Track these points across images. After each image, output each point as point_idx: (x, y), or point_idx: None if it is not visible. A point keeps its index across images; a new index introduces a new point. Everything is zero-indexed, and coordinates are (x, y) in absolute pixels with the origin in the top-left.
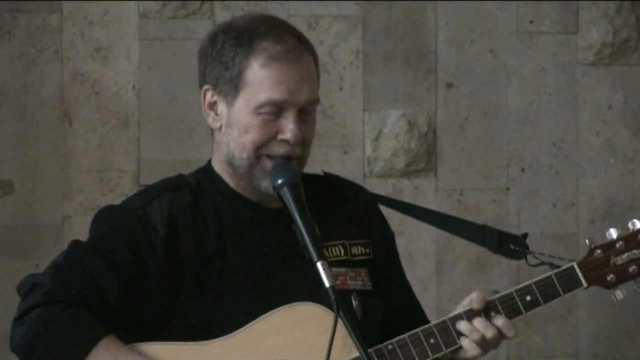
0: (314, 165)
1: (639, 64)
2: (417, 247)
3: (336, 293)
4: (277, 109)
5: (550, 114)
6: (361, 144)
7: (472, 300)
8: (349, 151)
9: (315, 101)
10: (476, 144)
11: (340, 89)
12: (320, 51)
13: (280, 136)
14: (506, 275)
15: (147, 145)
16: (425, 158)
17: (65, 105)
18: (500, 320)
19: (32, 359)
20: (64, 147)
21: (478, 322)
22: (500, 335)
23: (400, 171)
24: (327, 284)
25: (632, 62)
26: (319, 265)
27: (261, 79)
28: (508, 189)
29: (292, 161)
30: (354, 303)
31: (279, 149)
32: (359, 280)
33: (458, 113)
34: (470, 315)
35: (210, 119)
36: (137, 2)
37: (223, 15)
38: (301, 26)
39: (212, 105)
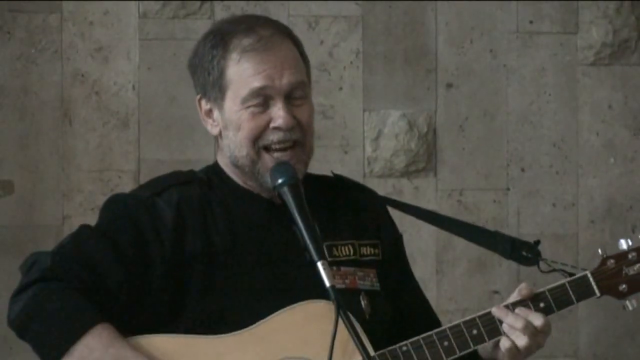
0: (314, 165)
1: (639, 64)
2: (417, 247)
3: (337, 293)
4: (263, 99)
5: (550, 114)
6: (361, 144)
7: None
8: (349, 151)
9: (301, 83)
10: (476, 144)
11: (340, 89)
12: (320, 51)
13: (272, 124)
14: (506, 276)
15: (147, 145)
16: (425, 158)
17: (65, 105)
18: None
19: (27, 336)
20: (64, 147)
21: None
22: (533, 327)
23: (400, 171)
24: (327, 283)
25: (632, 62)
26: (319, 265)
27: (240, 73)
28: (508, 189)
29: (295, 147)
30: (363, 303)
31: (273, 137)
32: (367, 281)
33: (458, 113)
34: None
35: (209, 127)
36: (137, 2)
37: (223, 15)
38: (301, 26)
39: (209, 113)
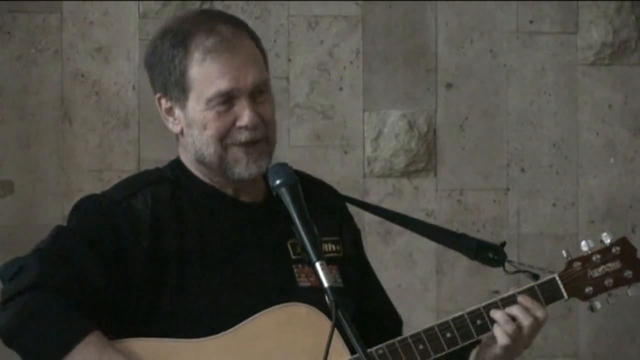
0: (314, 165)
1: (639, 64)
2: (417, 247)
3: (335, 293)
4: (227, 99)
5: (550, 114)
6: (361, 144)
7: None
8: (349, 151)
9: (264, 81)
10: (476, 144)
11: (340, 89)
12: (320, 51)
13: (238, 123)
14: (506, 276)
15: (147, 145)
16: (425, 158)
17: (65, 105)
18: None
19: (16, 346)
20: (64, 147)
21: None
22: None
23: (400, 171)
24: (325, 284)
25: (632, 62)
26: (317, 265)
27: (204, 74)
28: (508, 189)
29: (259, 143)
30: (328, 300)
31: (240, 136)
32: (330, 278)
33: (458, 113)
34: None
35: (171, 124)
36: (137, 2)
37: None
38: (301, 26)
39: (169, 111)
